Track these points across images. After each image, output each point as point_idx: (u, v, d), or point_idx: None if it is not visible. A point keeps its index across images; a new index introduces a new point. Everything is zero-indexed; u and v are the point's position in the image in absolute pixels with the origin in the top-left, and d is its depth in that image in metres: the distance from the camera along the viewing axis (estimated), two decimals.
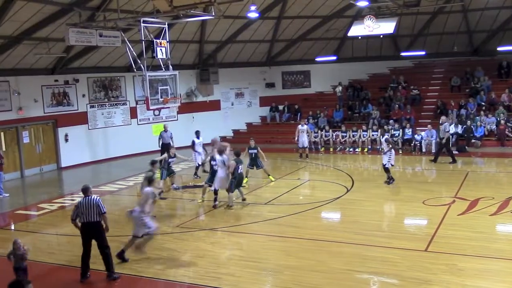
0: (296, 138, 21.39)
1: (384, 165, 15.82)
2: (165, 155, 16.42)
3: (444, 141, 18.86)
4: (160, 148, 20.86)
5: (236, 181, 13.98)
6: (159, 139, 20.76)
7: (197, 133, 18.74)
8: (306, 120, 23.41)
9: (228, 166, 13.87)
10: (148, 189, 10.53)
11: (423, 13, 24.55)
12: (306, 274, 9.15)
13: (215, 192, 14.13)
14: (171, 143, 20.58)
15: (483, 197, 13.59)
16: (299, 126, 21.53)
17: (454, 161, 18.70)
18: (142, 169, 19.93)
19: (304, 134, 21.26)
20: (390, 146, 15.84)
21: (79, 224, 9.41)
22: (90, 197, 9.34)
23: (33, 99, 20.54)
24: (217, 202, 14.05)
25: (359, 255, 9.94)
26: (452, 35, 25.93)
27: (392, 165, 15.82)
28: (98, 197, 9.46)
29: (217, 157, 14.08)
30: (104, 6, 17.74)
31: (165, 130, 20.83)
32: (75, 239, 11.94)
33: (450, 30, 25.84)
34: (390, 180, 15.75)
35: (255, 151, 17.08)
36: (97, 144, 22.91)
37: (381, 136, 16.62)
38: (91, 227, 9.31)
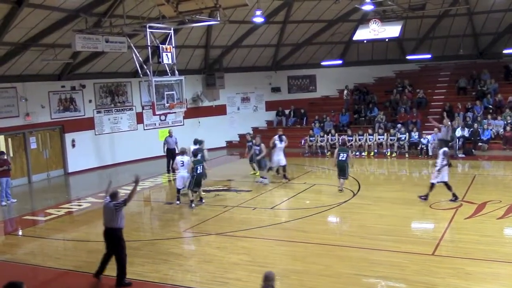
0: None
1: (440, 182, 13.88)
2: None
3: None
4: (165, 154, 20.91)
5: (194, 180, 14.64)
6: (164, 144, 20.86)
7: (280, 137, 17.98)
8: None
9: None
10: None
11: (429, 16, 24.51)
12: (313, 279, 9.13)
13: (178, 191, 15.36)
14: (176, 148, 20.65)
15: (491, 200, 13.52)
16: (276, 142, 17.76)
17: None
18: (148, 174, 20.06)
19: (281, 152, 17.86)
20: (446, 160, 13.82)
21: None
22: (112, 202, 9.36)
23: (40, 105, 20.66)
24: (178, 202, 15.14)
25: (366, 259, 9.91)
26: (457, 38, 25.86)
27: (437, 182, 13.88)
28: (117, 202, 9.38)
29: (178, 158, 15.27)
30: (110, 12, 17.85)
31: (170, 136, 20.91)
32: (82, 245, 12.05)
33: (455, 33, 25.77)
34: (454, 197, 13.76)
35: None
36: (103, 149, 22.99)
37: (439, 148, 14.41)
38: (106, 233, 9.39)
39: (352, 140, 22.97)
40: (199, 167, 14.67)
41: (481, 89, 24.43)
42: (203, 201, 15.15)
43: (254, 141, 18.61)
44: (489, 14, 24.27)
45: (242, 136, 27.01)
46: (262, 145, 17.50)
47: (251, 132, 20.61)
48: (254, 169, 18.89)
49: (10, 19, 15.82)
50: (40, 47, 18.63)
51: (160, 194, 18.34)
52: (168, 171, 20.58)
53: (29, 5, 15.60)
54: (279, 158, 17.66)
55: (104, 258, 9.48)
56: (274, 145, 17.67)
